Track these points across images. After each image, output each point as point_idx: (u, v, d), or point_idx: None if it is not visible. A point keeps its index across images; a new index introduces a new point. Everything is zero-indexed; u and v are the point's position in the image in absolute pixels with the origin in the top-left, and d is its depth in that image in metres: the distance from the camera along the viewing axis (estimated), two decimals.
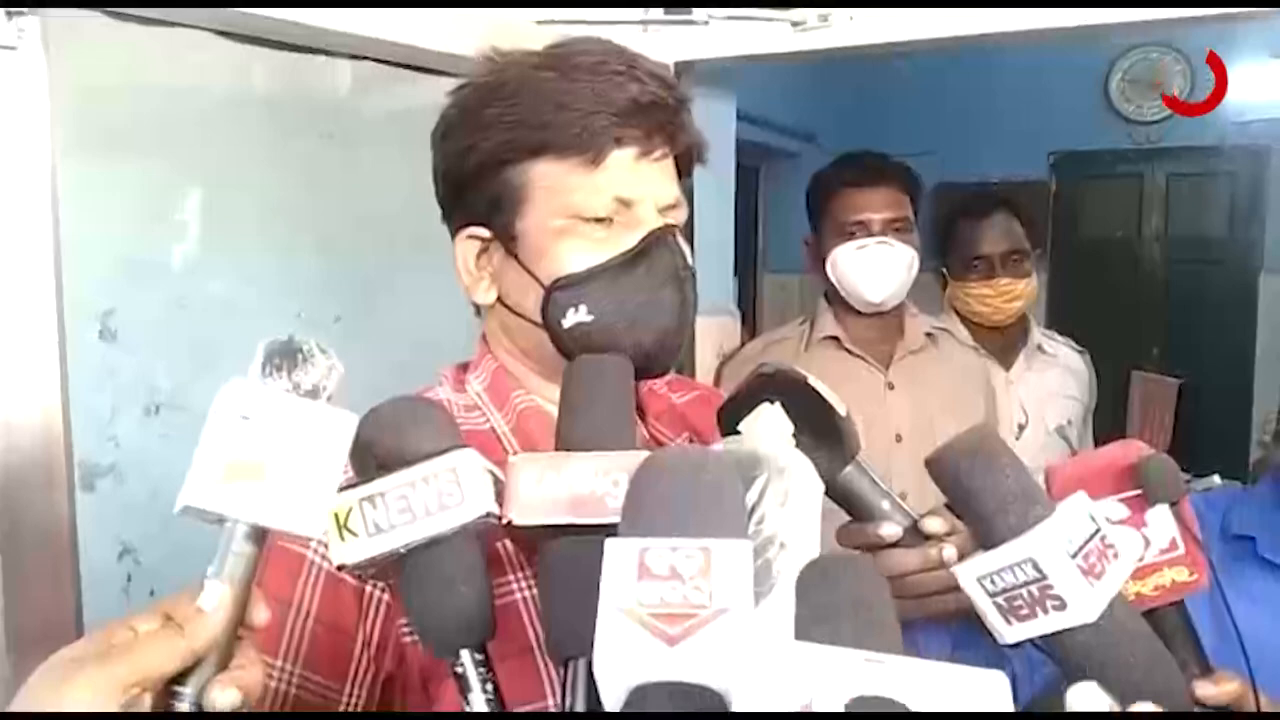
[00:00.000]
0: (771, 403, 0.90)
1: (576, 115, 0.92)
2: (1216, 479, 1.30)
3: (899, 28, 1.68)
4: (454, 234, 1.01)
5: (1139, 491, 0.86)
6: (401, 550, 0.71)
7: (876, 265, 2.01)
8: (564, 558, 0.72)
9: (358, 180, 1.71)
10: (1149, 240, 6.00)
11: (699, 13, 1.77)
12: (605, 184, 0.93)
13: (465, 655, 0.72)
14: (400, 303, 1.74)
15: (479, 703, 0.72)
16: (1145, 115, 5.70)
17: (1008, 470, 0.76)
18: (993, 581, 0.74)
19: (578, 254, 0.94)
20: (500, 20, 1.57)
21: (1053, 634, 0.73)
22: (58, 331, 1.15)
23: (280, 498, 0.64)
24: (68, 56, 1.16)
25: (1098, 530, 0.74)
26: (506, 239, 0.97)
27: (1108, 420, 2.82)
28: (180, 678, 0.62)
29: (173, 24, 1.37)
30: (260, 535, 0.65)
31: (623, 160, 0.94)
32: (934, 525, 0.91)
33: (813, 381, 0.90)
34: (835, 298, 2.10)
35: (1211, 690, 0.83)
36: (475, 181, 0.97)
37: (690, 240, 1.01)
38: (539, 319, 0.96)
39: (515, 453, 0.96)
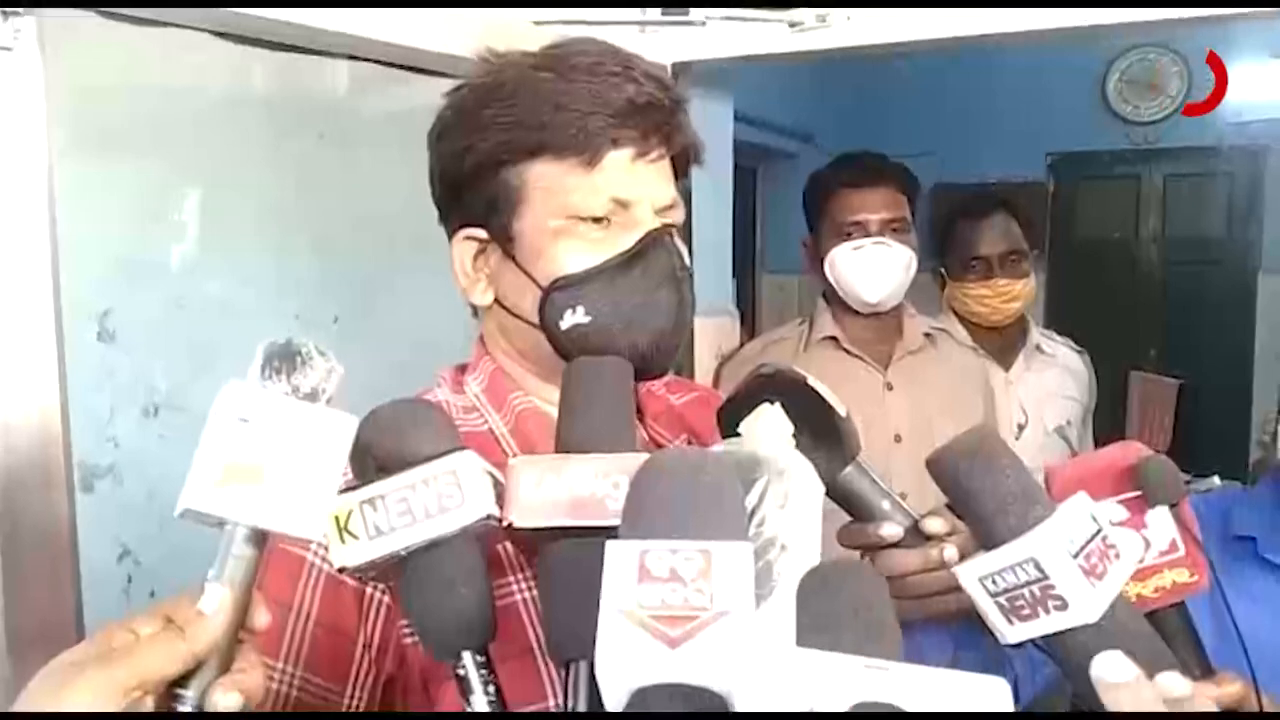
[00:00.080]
0: (771, 403, 0.89)
1: (574, 116, 0.92)
2: (1216, 480, 1.30)
3: (897, 28, 1.68)
4: (451, 235, 1.01)
5: (1139, 493, 0.86)
6: (402, 552, 0.70)
7: (874, 266, 2.01)
8: (564, 560, 0.72)
9: (355, 181, 1.70)
10: (1147, 241, 6.00)
11: (696, 13, 1.77)
12: (602, 184, 0.93)
13: (467, 657, 0.72)
14: (399, 303, 1.74)
15: (481, 704, 0.72)
16: (1143, 116, 5.70)
17: (1008, 470, 0.76)
18: (994, 582, 0.73)
19: (575, 255, 0.94)
20: (497, 21, 1.57)
21: (1054, 634, 0.72)
22: (56, 332, 1.15)
23: (280, 500, 0.64)
24: (64, 57, 1.16)
25: (1099, 530, 0.74)
26: (504, 240, 0.97)
27: (1107, 421, 2.82)
28: (181, 680, 0.61)
29: (169, 24, 1.37)
30: (260, 538, 0.65)
31: (619, 161, 0.94)
32: (935, 525, 0.90)
33: (812, 382, 0.90)
34: (834, 298, 2.10)
35: (1214, 692, 0.83)
36: (472, 182, 0.97)
37: (688, 241, 1.01)
38: (536, 320, 0.96)
39: (514, 454, 0.96)
